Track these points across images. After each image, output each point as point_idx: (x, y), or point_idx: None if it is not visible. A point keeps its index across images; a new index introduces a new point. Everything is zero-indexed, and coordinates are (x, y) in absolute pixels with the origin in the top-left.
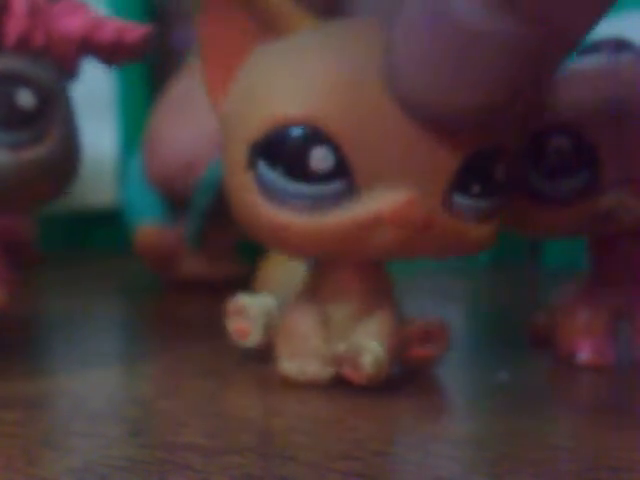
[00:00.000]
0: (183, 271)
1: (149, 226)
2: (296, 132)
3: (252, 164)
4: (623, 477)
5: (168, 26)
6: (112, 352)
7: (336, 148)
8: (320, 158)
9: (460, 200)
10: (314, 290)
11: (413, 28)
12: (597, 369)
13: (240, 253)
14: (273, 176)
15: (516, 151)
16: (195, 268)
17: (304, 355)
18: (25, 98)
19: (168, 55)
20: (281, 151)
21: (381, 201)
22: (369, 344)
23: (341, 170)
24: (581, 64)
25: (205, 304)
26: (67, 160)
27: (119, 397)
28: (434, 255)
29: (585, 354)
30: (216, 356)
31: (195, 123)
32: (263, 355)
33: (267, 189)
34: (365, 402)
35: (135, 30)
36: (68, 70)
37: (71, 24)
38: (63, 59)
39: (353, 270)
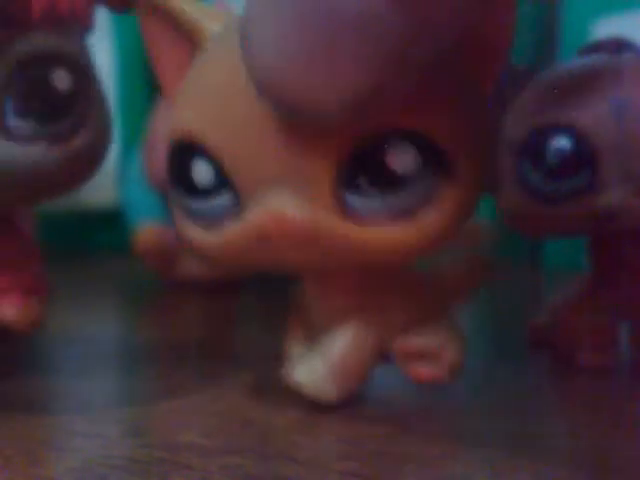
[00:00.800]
0: (183, 271)
1: (149, 226)
2: (180, 147)
3: (170, 182)
4: (624, 477)
5: None
6: (112, 352)
7: (214, 161)
8: (201, 172)
9: (354, 201)
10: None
11: (273, 10)
12: (597, 369)
13: None
14: (179, 193)
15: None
16: (195, 269)
17: (290, 360)
18: (63, 79)
19: None
20: (174, 167)
21: (259, 213)
22: (308, 357)
23: (223, 183)
24: (582, 64)
25: (205, 304)
26: (104, 146)
27: (119, 397)
28: (350, 264)
29: (586, 354)
30: (216, 356)
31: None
32: None
33: (179, 206)
34: (365, 402)
35: None
36: (84, 26)
37: None
38: (82, 17)
39: (317, 279)
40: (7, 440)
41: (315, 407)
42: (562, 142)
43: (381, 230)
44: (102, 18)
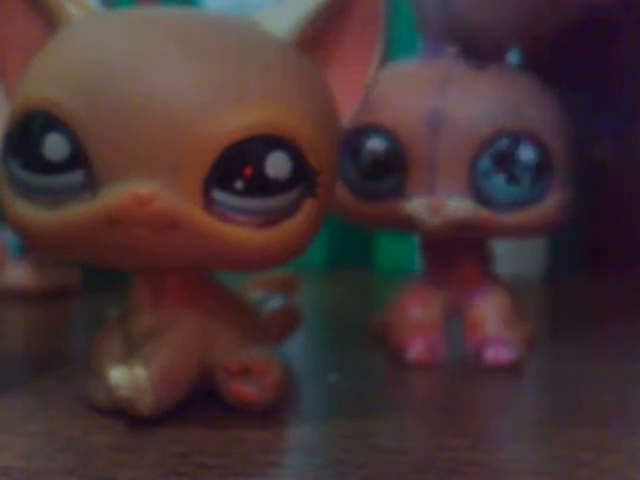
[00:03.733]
0: (7, 280)
1: None
2: (32, 118)
3: (3, 156)
4: (451, 479)
5: None
6: None
7: (73, 135)
8: (55, 145)
9: (222, 198)
10: (124, 307)
11: None
12: (427, 367)
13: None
14: (15, 167)
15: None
16: (20, 277)
17: (97, 377)
18: None
19: None
20: (20, 139)
21: (114, 195)
22: (129, 364)
23: (79, 159)
24: (408, 67)
25: (30, 315)
26: None
27: None
28: (202, 262)
29: (416, 352)
30: (42, 371)
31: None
32: None
33: (14, 182)
34: (188, 412)
35: None
36: None
37: None
38: None
39: (150, 280)
40: None
41: (139, 422)
42: (376, 143)
43: (243, 231)
44: None
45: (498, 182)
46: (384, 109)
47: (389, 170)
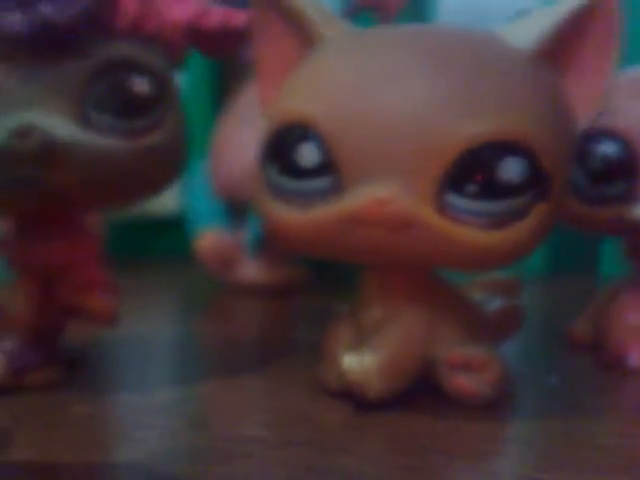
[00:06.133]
0: (244, 276)
1: (210, 233)
2: (289, 130)
3: (262, 163)
4: None
5: None
6: (175, 351)
7: (324, 146)
8: (308, 154)
9: (455, 201)
10: (354, 301)
11: None
12: None
13: (301, 257)
14: (273, 173)
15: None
16: (255, 273)
17: (329, 363)
18: (139, 85)
19: (233, 64)
20: (277, 148)
21: (357, 197)
22: (359, 351)
23: (328, 166)
24: (635, 72)
25: (263, 307)
26: (179, 148)
27: (182, 392)
28: (433, 261)
29: (636, 358)
30: (274, 356)
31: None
32: None
33: (271, 186)
34: (413, 400)
35: (240, 15)
36: (175, 58)
37: (180, 10)
38: (171, 46)
39: (380, 276)
40: (75, 428)
41: (366, 405)
42: (608, 148)
43: (471, 231)
44: None
45: None
46: (617, 114)
47: (619, 175)
